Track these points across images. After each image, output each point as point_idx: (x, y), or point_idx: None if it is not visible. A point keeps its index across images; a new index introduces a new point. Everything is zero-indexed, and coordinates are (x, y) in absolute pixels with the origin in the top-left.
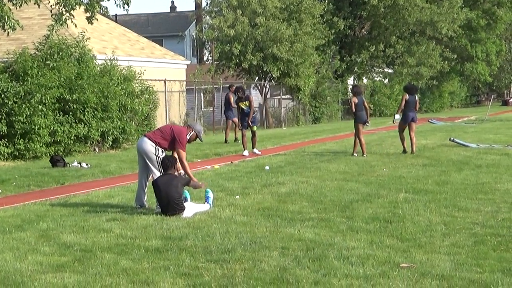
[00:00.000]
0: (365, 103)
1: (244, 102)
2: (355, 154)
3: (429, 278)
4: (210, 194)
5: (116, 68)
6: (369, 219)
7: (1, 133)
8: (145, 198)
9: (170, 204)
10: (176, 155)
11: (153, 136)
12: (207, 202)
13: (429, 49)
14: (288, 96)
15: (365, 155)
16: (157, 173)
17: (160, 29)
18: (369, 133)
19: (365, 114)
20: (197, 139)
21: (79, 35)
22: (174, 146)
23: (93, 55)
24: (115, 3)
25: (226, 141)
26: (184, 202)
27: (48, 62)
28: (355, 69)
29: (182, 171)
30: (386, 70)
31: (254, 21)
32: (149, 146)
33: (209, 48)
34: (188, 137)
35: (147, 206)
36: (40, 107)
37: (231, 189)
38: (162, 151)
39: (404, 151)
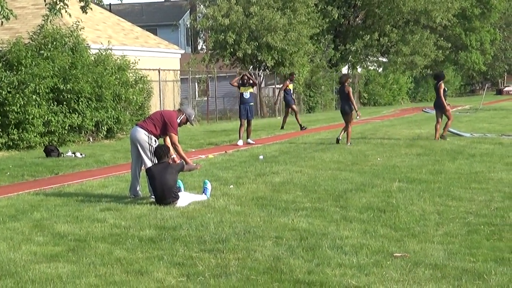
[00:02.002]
0: (348, 92)
1: (246, 87)
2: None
3: (422, 267)
4: (208, 186)
5: (110, 58)
6: (362, 208)
7: None
8: (139, 187)
9: (165, 192)
10: (168, 141)
11: (145, 125)
12: (204, 193)
13: (423, 38)
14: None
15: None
16: (148, 162)
17: (154, 18)
18: (363, 122)
19: (343, 104)
20: (188, 123)
21: (73, 25)
22: (166, 131)
23: (87, 44)
24: None
25: (282, 127)
26: (178, 192)
27: (42, 51)
28: (349, 58)
29: (174, 155)
30: (380, 59)
31: (248, 10)
32: (142, 134)
33: (203, 37)
34: (178, 120)
35: (141, 195)
36: (34, 97)
37: (225, 178)
38: (155, 140)
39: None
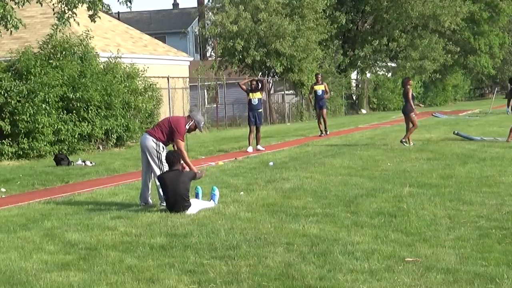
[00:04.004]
0: (406, 94)
1: (254, 93)
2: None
3: (434, 272)
4: (216, 192)
5: (119, 66)
6: (373, 213)
7: (5, 133)
8: (149, 195)
9: (178, 200)
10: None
11: (153, 132)
12: (212, 199)
13: (432, 42)
14: (291, 91)
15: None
16: (156, 170)
17: (162, 26)
18: (372, 127)
19: (404, 106)
20: (197, 129)
21: (82, 33)
22: (172, 137)
23: (96, 53)
24: (118, 0)
25: (325, 131)
26: (196, 197)
27: (51, 60)
28: (358, 63)
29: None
30: (389, 64)
31: (256, 17)
32: (150, 141)
33: (212, 44)
34: (187, 127)
35: (151, 203)
36: (43, 105)
37: (236, 185)
38: (163, 147)
39: None
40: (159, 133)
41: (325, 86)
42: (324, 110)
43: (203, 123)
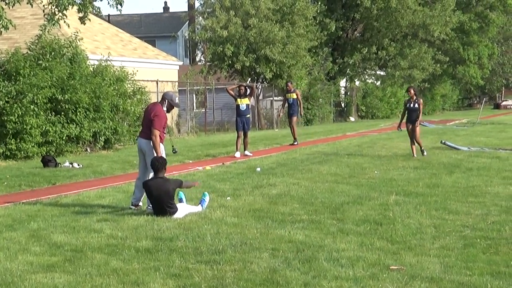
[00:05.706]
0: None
1: (242, 99)
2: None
3: (418, 281)
4: (206, 199)
5: (108, 69)
6: (359, 221)
7: None
8: (142, 198)
9: (162, 207)
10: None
11: (145, 135)
12: (201, 205)
13: (421, 51)
14: (280, 97)
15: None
16: (150, 170)
17: (152, 30)
18: (360, 135)
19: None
20: (175, 107)
21: (72, 35)
22: (151, 126)
23: (86, 55)
24: (108, 3)
25: (293, 140)
26: (180, 202)
27: (40, 62)
28: (347, 71)
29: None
30: (378, 72)
31: (247, 22)
32: (148, 144)
33: (202, 49)
34: (164, 109)
35: (140, 206)
36: (32, 107)
37: (222, 190)
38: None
39: None
40: (147, 132)
41: (297, 94)
42: (294, 118)
43: (177, 97)
